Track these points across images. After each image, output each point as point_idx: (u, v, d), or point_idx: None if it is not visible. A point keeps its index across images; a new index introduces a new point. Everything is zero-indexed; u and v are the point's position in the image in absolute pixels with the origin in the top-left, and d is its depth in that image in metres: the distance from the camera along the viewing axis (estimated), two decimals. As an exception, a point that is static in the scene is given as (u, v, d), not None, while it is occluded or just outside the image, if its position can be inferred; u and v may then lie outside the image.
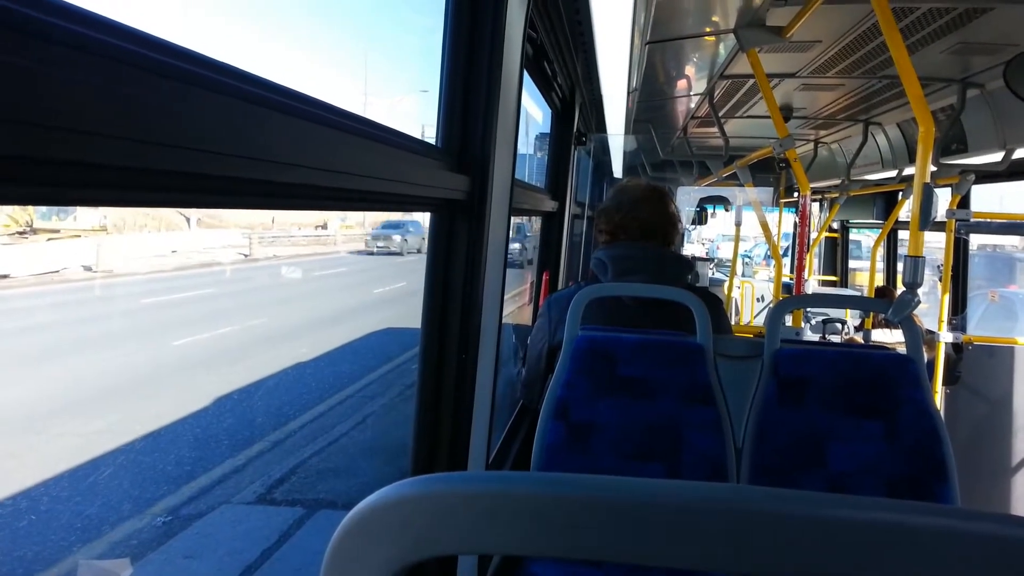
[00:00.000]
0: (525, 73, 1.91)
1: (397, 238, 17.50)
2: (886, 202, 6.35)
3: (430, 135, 1.59)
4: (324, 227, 16.94)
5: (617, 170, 7.19)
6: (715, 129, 4.59)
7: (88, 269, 8.18)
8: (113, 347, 7.94)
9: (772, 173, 6.57)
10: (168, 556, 4.43)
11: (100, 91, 0.52)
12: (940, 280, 4.08)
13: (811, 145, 5.97)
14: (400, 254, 17.25)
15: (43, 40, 0.47)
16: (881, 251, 6.04)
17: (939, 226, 3.90)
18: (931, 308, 4.09)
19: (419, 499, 0.37)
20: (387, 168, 1.09)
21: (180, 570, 4.33)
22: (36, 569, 4.10)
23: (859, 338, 4.70)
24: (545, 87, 3.14)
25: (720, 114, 4.45)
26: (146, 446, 5.82)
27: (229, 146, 0.67)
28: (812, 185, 3.87)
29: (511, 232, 1.93)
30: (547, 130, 3.83)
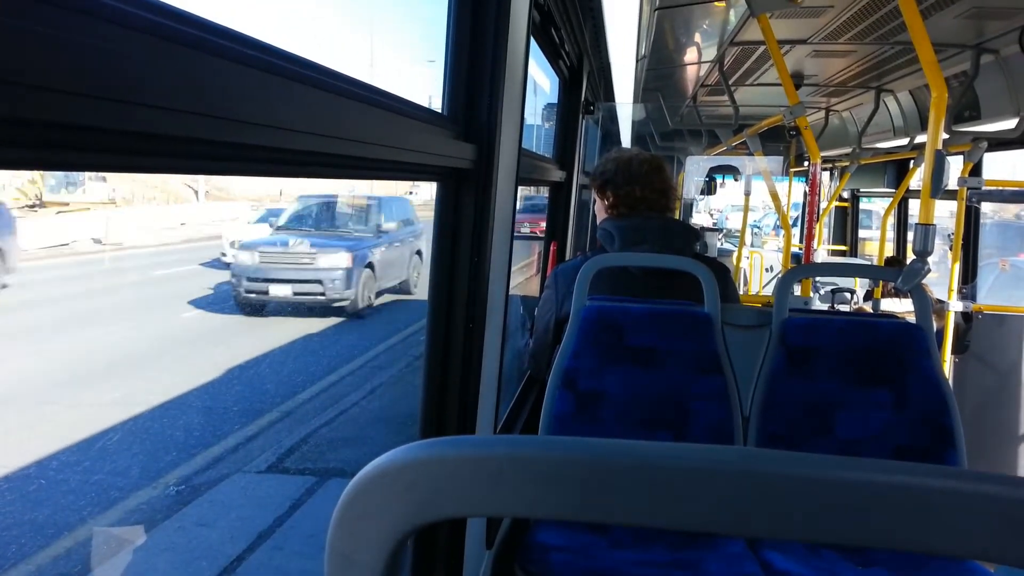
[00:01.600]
0: (532, 40, 1.89)
1: None
2: (897, 171, 6.29)
3: (437, 106, 1.58)
4: (332, 198, 16.82)
5: (626, 139, 7.14)
6: (725, 97, 4.55)
7: (98, 242, 8.20)
8: (124, 319, 7.98)
9: (782, 142, 6.51)
10: (182, 524, 4.49)
11: (103, 54, 0.51)
12: (951, 249, 4.05)
13: (822, 113, 5.91)
14: None
15: (47, 3, 0.47)
16: (892, 220, 6.00)
17: (950, 194, 3.87)
18: (941, 277, 4.07)
19: (426, 462, 0.37)
20: (392, 136, 1.09)
21: (194, 537, 4.39)
22: (51, 535, 4.17)
23: (868, 307, 4.68)
24: (552, 55, 3.10)
25: (730, 82, 4.40)
26: (159, 416, 5.88)
27: (233, 111, 0.67)
28: (823, 154, 3.83)
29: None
30: (555, 99, 3.79)
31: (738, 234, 7.26)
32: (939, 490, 0.33)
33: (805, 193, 5.37)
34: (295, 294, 7.33)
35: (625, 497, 0.36)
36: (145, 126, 0.57)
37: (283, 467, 5.28)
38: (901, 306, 4.19)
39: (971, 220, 4.40)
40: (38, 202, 7.27)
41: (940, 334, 3.72)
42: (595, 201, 2.50)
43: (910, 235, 6.03)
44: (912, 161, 4.95)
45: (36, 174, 6.77)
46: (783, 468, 0.35)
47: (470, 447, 0.37)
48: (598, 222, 2.46)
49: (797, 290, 3.43)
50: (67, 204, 7.74)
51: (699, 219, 11.09)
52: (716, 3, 3.06)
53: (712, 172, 7.91)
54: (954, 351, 3.91)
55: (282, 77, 0.76)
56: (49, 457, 4.91)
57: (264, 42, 0.76)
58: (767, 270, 7.74)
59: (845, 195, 7.11)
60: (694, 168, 7.92)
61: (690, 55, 4.19)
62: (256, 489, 5.07)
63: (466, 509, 0.37)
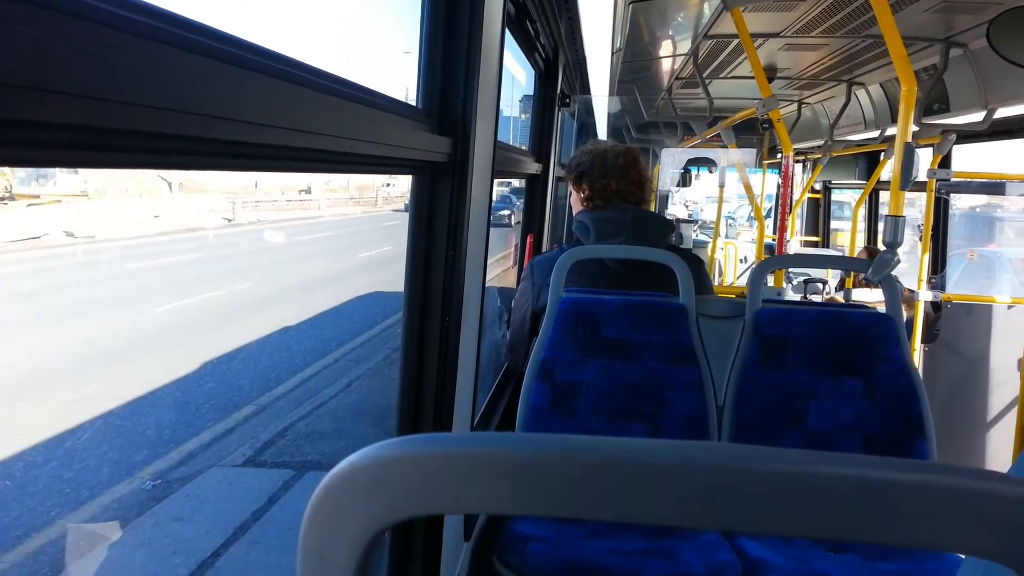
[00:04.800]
0: (507, 33, 1.89)
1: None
2: (868, 163, 6.36)
3: (413, 98, 1.58)
4: (308, 191, 16.74)
5: (602, 131, 7.16)
6: (699, 90, 4.57)
7: (70, 235, 8.09)
8: (96, 314, 7.89)
9: (756, 134, 6.56)
10: (158, 519, 4.46)
11: (73, 51, 0.51)
12: (920, 239, 4.12)
13: (794, 106, 5.96)
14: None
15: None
16: (863, 212, 6.08)
17: (920, 186, 3.92)
18: (911, 267, 4.14)
19: (400, 459, 0.37)
20: (366, 130, 1.09)
21: (170, 533, 4.37)
22: (25, 533, 4.12)
23: (840, 297, 4.74)
24: (528, 47, 3.10)
25: (704, 75, 4.43)
26: (133, 412, 5.82)
27: (206, 106, 0.67)
28: (795, 146, 3.87)
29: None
30: (531, 92, 3.80)
31: (713, 225, 7.31)
32: (906, 483, 0.34)
33: (778, 185, 5.43)
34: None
35: (599, 493, 0.36)
36: (119, 122, 0.56)
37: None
38: (872, 296, 4.25)
39: (940, 211, 4.48)
40: (8, 195, 7.15)
41: (910, 323, 3.79)
42: (571, 193, 2.51)
43: (881, 226, 6.11)
44: (883, 153, 5.02)
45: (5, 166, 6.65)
46: (755, 464, 0.35)
47: (442, 444, 0.37)
48: (574, 214, 2.47)
49: (770, 281, 3.47)
50: (38, 197, 7.62)
51: (674, 211, 11.15)
52: (690, -4, 3.08)
53: (688, 164, 7.95)
54: (924, 340, 3.97)
55: (255, 72, 0.76)
56: (18, 456, 4.85)
57: (237, 37, 0.76)
58: (741, 261, 7.81)
59: (817, 187, 7.18)
60: (669, 160, 7.96)
61: (665, 48, 4.21)
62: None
63: (439, 507, 0.37)
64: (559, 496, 0.36)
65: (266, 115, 0.78)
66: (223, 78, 0.70)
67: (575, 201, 2.47)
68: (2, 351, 6.59)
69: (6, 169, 6.89)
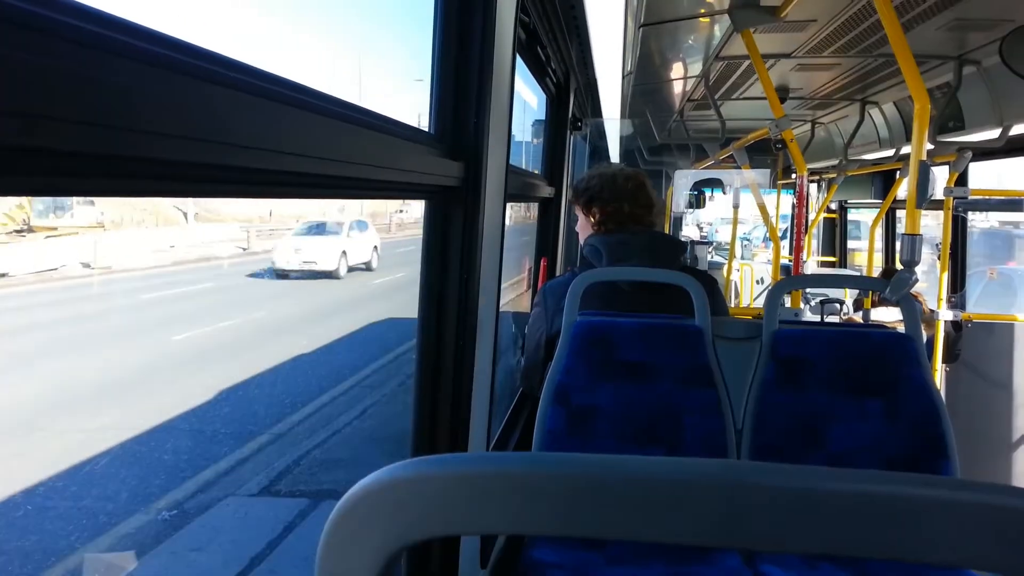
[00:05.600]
0: (518, 58, 1.90)
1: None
2: (884, 181, 6.34)
3: (425, 125, 1.58)
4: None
5: (614, 154, 7.18)
6: (711, 111, 4.58)
7: (87, 266, 8.18)
8: (114, 343, 7.94)
9: (769, 155, 6.56)
10: (175, 549, 4.45)
11: (95, 82, 0.51)
12: (939, 258, 4.08)
13: (808, 126, 5.95)
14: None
15: (23, 28, 0.47)
16: (880, 231, 6.04)
17: (937, 204, 3.90)
18: (930, 287, 4.10)
19: (415, 480, 0.37)
20: (379, 155, 1.09)
21: (187, 563, 4.35)
22: (44, 563, 4.12)
23: (858, 318, 4.70)
24: (539, 72, 3.12)
25: (716, 96, 4.43)
26: (149, 441, 5.83)
27: (223, 135, 0.67)
28: (809, 166, 3.85)
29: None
30: (542, 116, 3.82)
31: (728, 247, 7.29)
32: (930, 499, 0.33)
33: (793, 205, 5.41)
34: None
35: (615, 512, 0.35)
36: (138, 151, 0.57)
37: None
38: (891, 316, 4.21)
39: (958, 229, 4.44)
40: (26, 227, 7.25)
41: (930, 343, 3.74)
42: (577, 218, 2.51)
43: (898, 245, 6.06)
44: (898, 172, 5.00)
45: (24, 199, 6.74)
46: (772, 480, 0.35)
47: (457, 465, 0.37)
48: (581, 239, 2.47)
49: (787, 302, 3.45)
50: (55, 229, 7.71)
51: (688, 232, 11.13)
52: (700, 19, 3.09)
53: (699, 185, 7.95)
54: (944, 360, 3.92)
55: (271, 100, 0.76)
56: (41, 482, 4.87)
57: (248, 64, 0.76)
58: (757, 282, 7.77)
59: (833, 207, 7.15)
60: (683, 182, 7.96)
61: (676, 71, 4.23)
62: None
63: (455, 527, 0.37)
64: (575, 515, 0.36)
65: (278, 141, 0.78)
66: (234, 105, 0.70)
67: (583, 225, 2.47)
68: (22, 381, 6.64)
69: (24, 203, 6.99)
